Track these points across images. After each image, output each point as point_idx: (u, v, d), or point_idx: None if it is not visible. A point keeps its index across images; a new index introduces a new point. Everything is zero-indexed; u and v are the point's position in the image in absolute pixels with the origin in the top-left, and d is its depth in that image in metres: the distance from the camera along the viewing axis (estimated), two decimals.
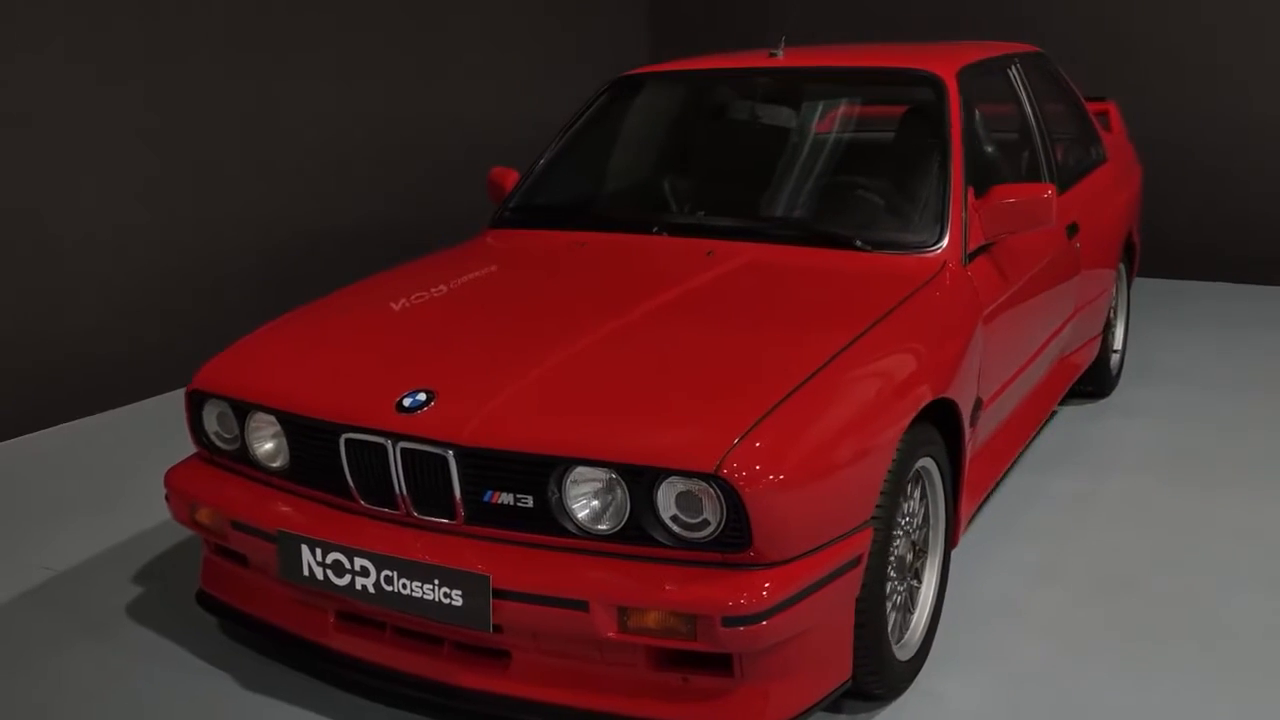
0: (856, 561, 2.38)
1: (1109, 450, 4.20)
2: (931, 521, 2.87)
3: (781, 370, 2.45)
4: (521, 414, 2.38)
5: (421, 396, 2.44)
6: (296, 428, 2.56)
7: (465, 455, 2.34)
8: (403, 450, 2.39)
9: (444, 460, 2.35)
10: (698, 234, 3.23)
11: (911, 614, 2.81)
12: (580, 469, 2.28)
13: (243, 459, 2.70)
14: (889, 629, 2.63)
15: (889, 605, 2.65)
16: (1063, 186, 4.04)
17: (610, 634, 2.25)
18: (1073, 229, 3.92)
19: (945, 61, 3.53)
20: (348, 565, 2.41)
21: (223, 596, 2.83)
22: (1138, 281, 6.35)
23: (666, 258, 3.14)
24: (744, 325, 2.72)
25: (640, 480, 2.25)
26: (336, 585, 2.44)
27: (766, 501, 2.19)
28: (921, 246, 3.09)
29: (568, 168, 3.71)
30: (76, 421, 4.62)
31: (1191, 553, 3.38)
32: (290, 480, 2.62)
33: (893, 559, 2.65)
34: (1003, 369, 3.29)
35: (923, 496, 2.81)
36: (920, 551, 2.84)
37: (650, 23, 7.79)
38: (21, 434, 4.44)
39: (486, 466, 2.34)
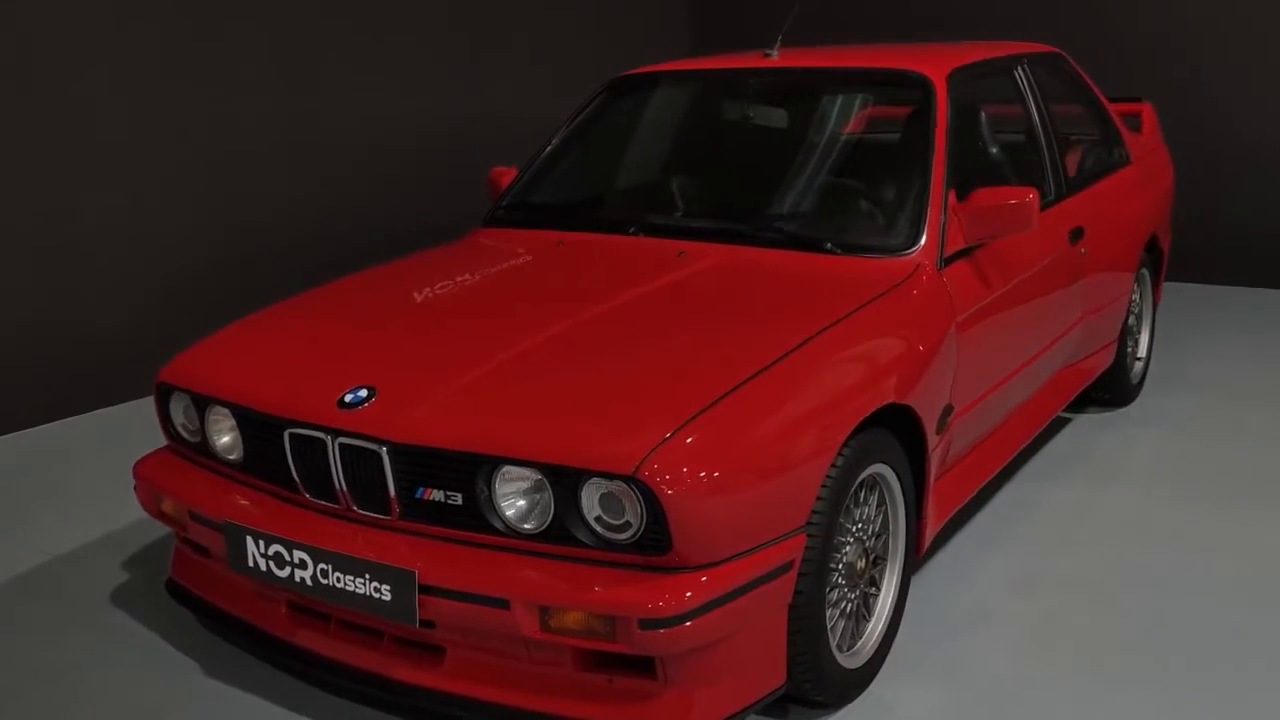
0: (788, 567, 2.37)
1: (1116, 461, 4.11)
2: (891, 529, 2.83)
3: (720, 373, 2.44)
4: (455, 412, 2.40)
5: (363, 393, 2.48)
6: (248, 421, 2.61)
7: (398, 452, 2.37)
8: (341, 446, 2.43)
9: (378, 456, 2.38)
10: (673, 235, 3.23)
11: (867, 622, 2.78)
12: (508, 468, 2.30)
13: (205, 451, 2.77)
14: (834, 636, 2.61)
15: (835, 612, 2.63)
16: (1070, 189, 3.96)
17: (532, 633, 2.26)
18: (1077, 233, 3.84)
19: (937, 62, 3.48)
20: (287, 557, 2.46)
21: (190, 586, 2.89)
22: (1171, 286, 6.21)
23: (637, 258, 3.14)
24: (695, 327, 2.71)
25: (564, 481, 2.26)
26: (278, 577, 2.49)
27: (686, 505, 2.19)
28: (894, 249, 3.05)
29: (560, 168, 3.73)
30: (96, 412, 4.75)
31: (1181, 571, 3.29)
32: (245, 473, 2.68)
33: (840, 566, 2.62)
34: (984, 376, 3.23)
35: (880, 504, 2.78)
36: (879, 559, 2.81)
37: (690, 19, 7.78)
38: (39, 424, 4.57)
39: (418, 463, 2.37)
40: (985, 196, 3.13)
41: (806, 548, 2.42)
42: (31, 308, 4.49)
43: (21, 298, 4.46)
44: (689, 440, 2.24)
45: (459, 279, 3.11)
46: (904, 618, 2.99)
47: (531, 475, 2.29)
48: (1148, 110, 5.13)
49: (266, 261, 5.23)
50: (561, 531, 2.29)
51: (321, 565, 2.42)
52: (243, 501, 2.62)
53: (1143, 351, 4.80)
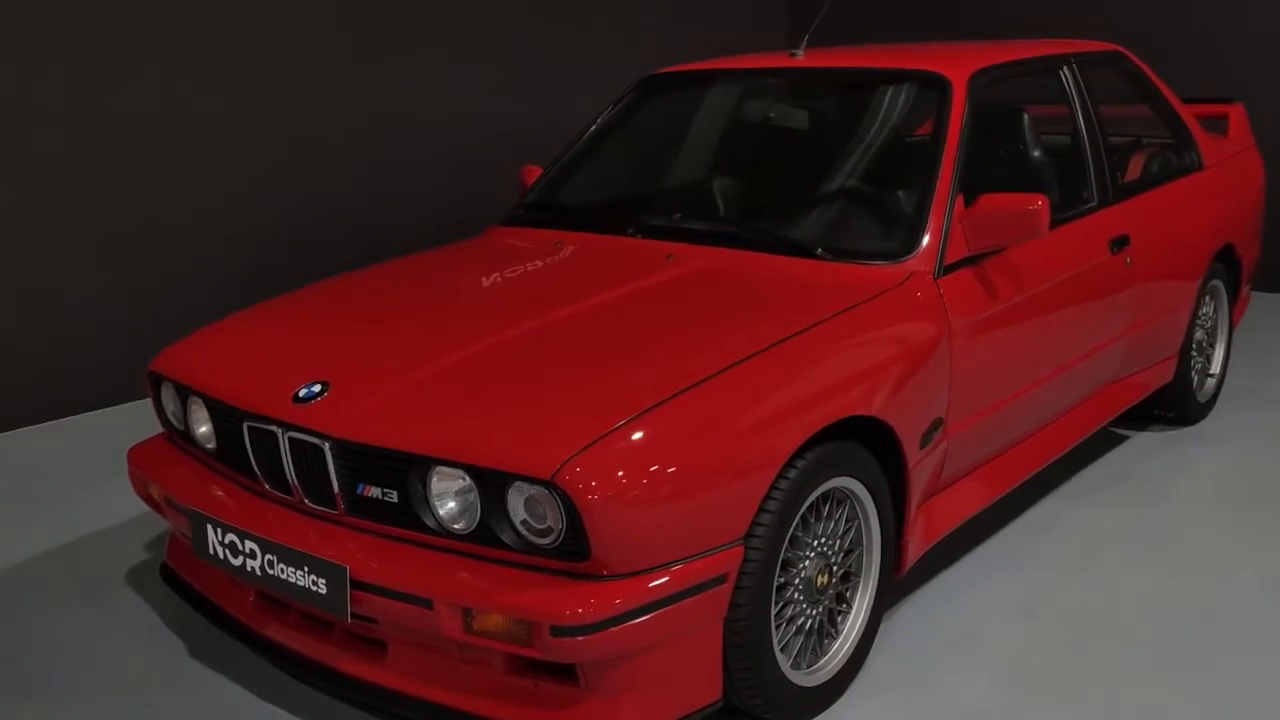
0: (722, 580, 2.32)
1: (1166, 482, 3.90)
2: (866, 546, 2.74)
3: (665, 378, 2.40)
4: (393, 411, 2.42)
5: (317, 388, 2.52)
6: (218, 412, 2.69)
7: (340, 448, 2.41)
8: (290, 439, 2.48)
9: (322, 451, 2.42)
10: (669, 237, 3.19)
11: (834, 639, 2.70)
12: (440, 468, 2.31)
13: (190, 439, 2.85)
14: (789, 652, 2.54)
15: (792, 628, 2.56)
16: (1119, 196, 3.77)
17: (455, 634, 2.26)
18: (1120, 242, 3.66)
19: (962, 63, 3.36)
20: (240, 547, 2.52)
21: (181, 571, 2.99)
22: (1263, 298, 5.86)
23: (627, 260, 3.12)
24: (658, 332, 2.67)
25: (490, 483, 2.26)
26: (233, 565, 2.55)
27: (604, 513, 2.16)
28: (887, 256, 2.95)
29: (581, 167, 3.72)
30: (130, 404, 4.89)
31: (1208, 606, 3.10)
32: (220, 462, 2.75)
33: (797, 581, 2.55)
34: (990, 389, 3.11)
35: (851, 518, 2.69)
36: (851, 575, 2.73)
37: (789, 9, 7.68)
38: (77, 413, 4.73)
39: (358, 460, 2.40)
40: (990, 203, 3.00)
41: (748, 560, 2.37)
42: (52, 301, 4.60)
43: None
44: (613, 447, 2.21)
45: (448, 278, 3.14)
46: (887, 637, 2.91)
47: (461, 477, 2.29)
48: (1237, 112, 4.85)
49: (302, 254, 5.23)
50: (490, 534, 2.29)
51: (268, 556, 2.47)
52: (210, 490, 2.70)
53: (1216, 368, 4.54)
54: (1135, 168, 4.22)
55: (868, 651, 2.78)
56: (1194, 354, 4.29)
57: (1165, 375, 4.13)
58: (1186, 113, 4.39)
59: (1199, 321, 4.31)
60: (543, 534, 2.24)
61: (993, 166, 3.59)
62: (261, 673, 2.79)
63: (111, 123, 4.64)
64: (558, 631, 2.16)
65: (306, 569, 2.40)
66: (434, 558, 2.34)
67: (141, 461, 2.92)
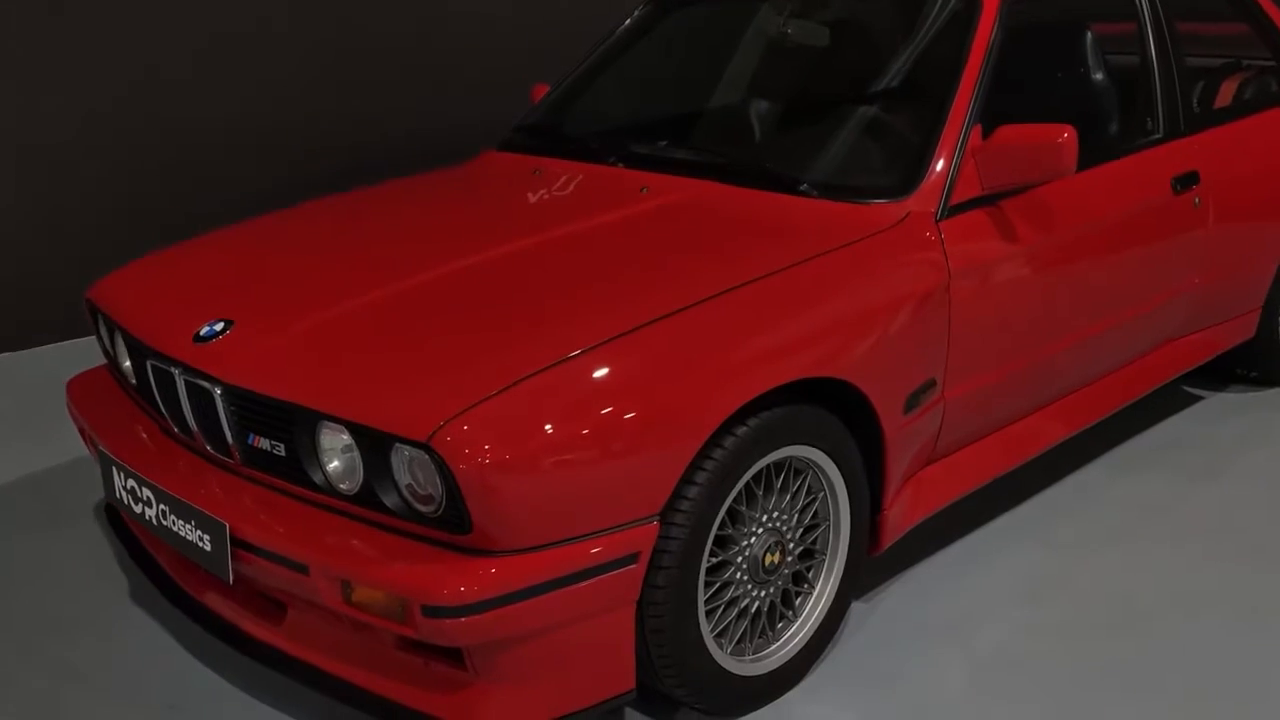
0: (632, 559, 2.05)
1: (1230, 452, 3.47)
2: (832, 522, 2.44)
3: (583, 330, 2.12)
4: (287, 357, 2.20)
5: (219, 326, 2.32)
6: (133, 347, 2.51)
7: (229, 393, 2.20)
8: (186, 382, 2.29)
9: (213, 396, 2.23)
10: (652, 166, 2.87)
11: (792, 623, 2.43)
12: (326, 423, 2.09)
13: (120, 374, 2.70)
14: (728, 638, 2.28)
15: (733, 611, 2.30)
16: (1191, 127, 3.31)
17: (334, 604, 2.06)
18: (1187, 180, 3.21)
19: None
20: (139, 494, 2.36)
21: (121, 511, 2.86)
22: None
23: (598, 191, 2.82)
24: (597, 274, 2.39)
25: (372, 443, 2.03)
26: (134, 512, 2.39)
27: (485, 481, 1.91)
28: (883, 194, 2.60)
29: (584, 88, 3.42)
30: None
31: (1243, 599, 2.72)
32: (142, 399, 2.59)
33: (740, 560, 2.28)
34: (1001, 348, 2.74)
35: (808, 493, 2.40)
36: (816, 553, 2.44)
37: None
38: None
39: (247, 407, 2.19)
40: (1008, 135, 2.62)
41: (666, 538, 2.10)
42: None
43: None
44: (501, 409, 1.96)
45: (401, 209, 2.89)
46: (860, 622, 2.63)
47: (344, 433, 2.07)
48: None
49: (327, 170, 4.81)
50: (373, 496, 2.07)
51: (162, 506, 2.30)
52: (127, 431, 2.53)
53: None
54: (1226, 94, 3.72)
55: (830, 638, 2.50)
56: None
57: (1245, 331, 3.67)
58: None
59: None
60: (425, 501, 2.01)
61: (1046, 92, 3.19)
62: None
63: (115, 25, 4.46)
64: (430, 611, 1.93)
65: (193, 523, 2.22)
66: (318, 520, 2.13)
67: (75, 394, 2.78)
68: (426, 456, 1.94)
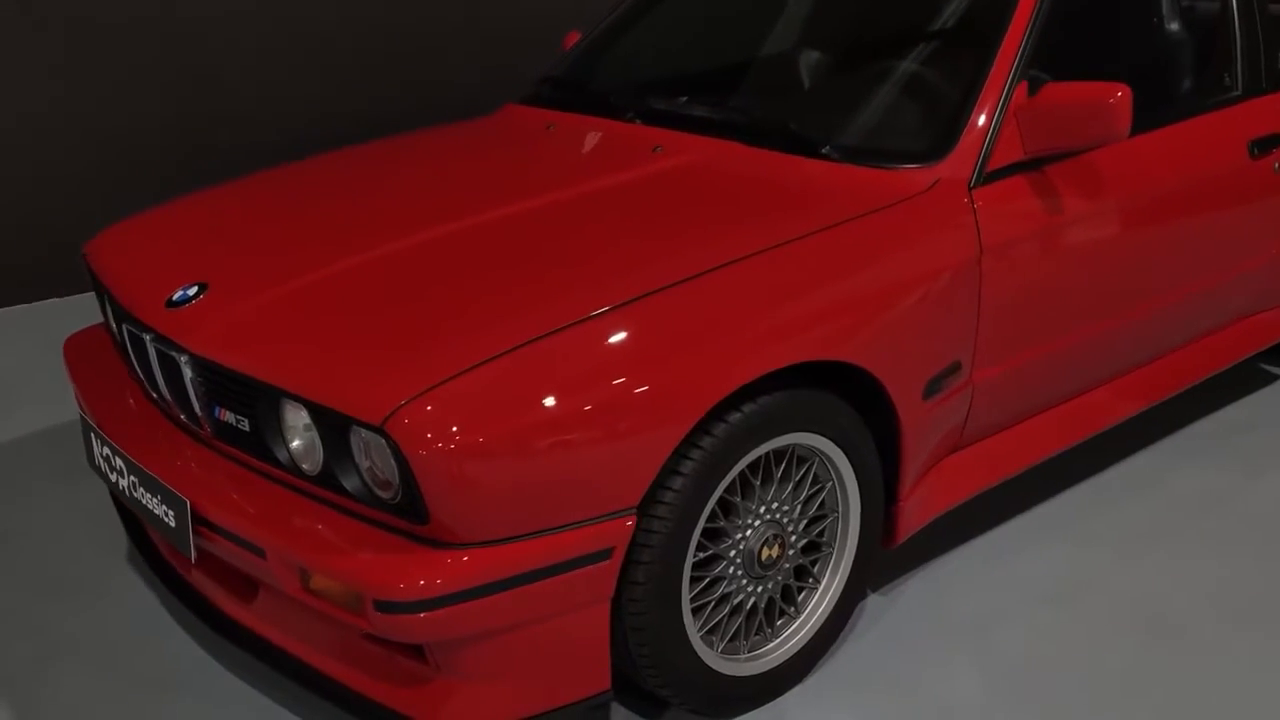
0: (605, 555, 1.91)
1: None
2: (840, 513, 2.27)
3: (561, 305, 1.97)
4: (253, 327, 2.08)
5: (192, 291, 2.20)
6: (114, 309, 2.42)
7: (194, 363, 2.10)
8: (156, 349, 2.19)
9: (178, 365, 2.12)
10: (670, 124, 2.68)
11: (794, 620, 2.27)
12: (288, 399, 1.97)
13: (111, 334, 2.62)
14: (720, 634, 2.14)
15: (725, 608, 2.15)
16: (1273, 83, 3.02)
17: (293, 590, 1.95)
18: (1268, 143, 2.93)
19: None
20: (113, 463, 2.27)
21: None
22: None
23: (609, 150, 2.65)
24: (589, 244, 2.22)
25: (331, 423, 1.90)
26: (110, 481, 2.31)
27: (441, 468, 1.78)
28: (911, 159, 2.39)
29: (613, 40, 3.23)
30: None
31: None
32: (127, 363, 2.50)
33: (734, 554, 2.12)
34: (1039, 328, 2.53)
35: (814, 484, 2.22)
36: (823, 545, 2.27)
37: None
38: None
39: (212, 378, 2.08)
40: (1055, 94, 2.38)
41: (647, 531, 1.95)
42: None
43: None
44: (462, 391, 1.82)
45: (401, 167, 2.74)
46: (873, 619, 2.46)
47: (303, 411, 1.95)
48: None
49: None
50: (333, 479, 1.95)
51: (132, 478, 2.21)
52: (112, 396, 2.44)
53: None
54: None
55: (836, 636, 2.34)
56: None
57: None
58: None
59: None
60: (385, 486, 1.88)
61: (1108, 43, 2.93)
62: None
63: None
64: (383, 606, 1.82)
65: (159, 497, 2.13)
66: (283, 501, 2.02)
67: (70, 354, 2.70)
68: (382, 441, 1.81)
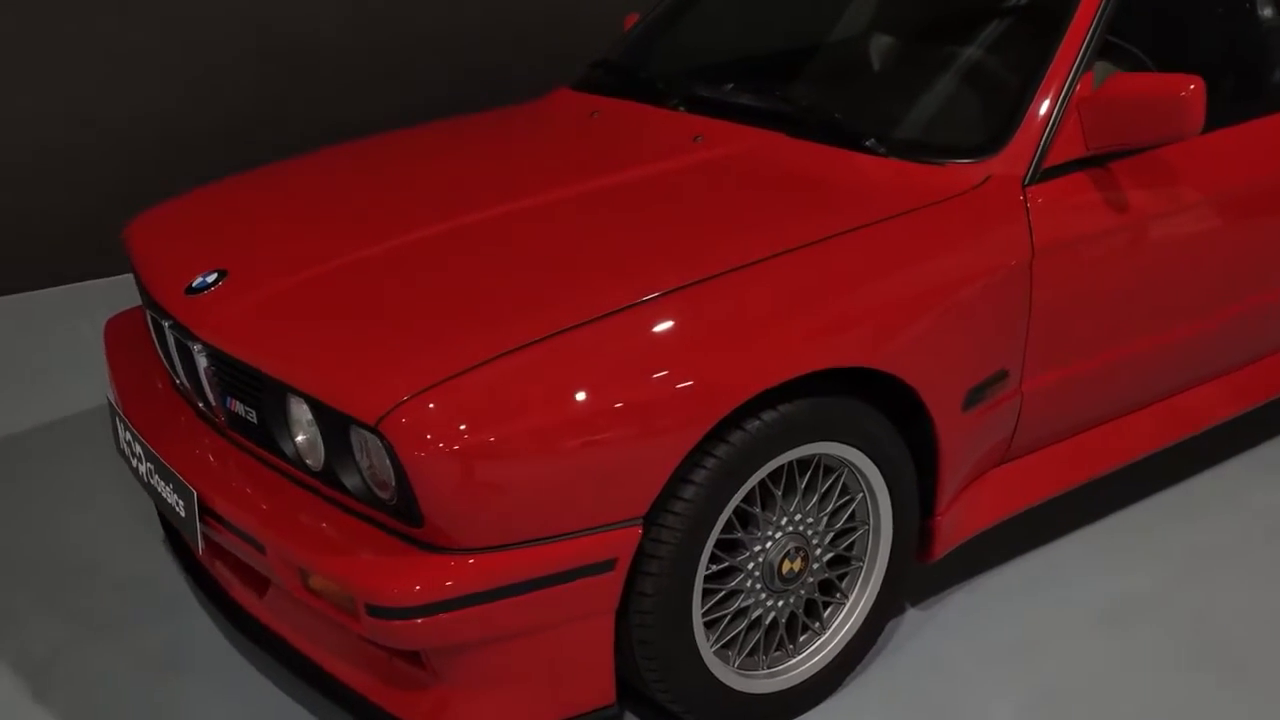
0: (608, 566, 1.83)
1: None
2: (871, 526, 2.16)
3: (573, 302, 1.89)
4: (264, 317, 2.04)
5: (211, 278, 2.17)
6: (143, 296, 2.41)
7: (208, 352, 2.07)
8: (174, 335, 2.17)
9: (192, 353, 2.09)
10: (714, 112, 2.57)
11: (818, 636, 2.17)
12: (292, 394, 1.93)
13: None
14: (736, 649, 2.05)
15: (743, 622, 2.05)
16: None
17: (294, 588, 1.91)
18: None
19: None
20: (133, 449, 2.27)
21: None
22: None
23: (649, 139, 2.55)
24: (612, 238, 2.13)
25: (331, 420, 1.85)
26: (132, 466, 2.30)
27: (434, 471, 1.72)
28: (960, 153, 2.25)
29: (669, 24, 3.13)
30: None
31: None
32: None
33: (752, 567, 2.03)
34: (1098, 336, 2.38)
35: (842, 494, 2.11)
36: (853, 560, 2.17)
37: None
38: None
39: (224, 368, 2.05)
40: (1121, 86, 2.23)
41: (656, 542, 1.87)
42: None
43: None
44: (459, 392, 1.75)
45: (438, 154, 2.67)
46: (904, 638, 2.34)
47: (304, 406, 1.91)
48: None
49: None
50: (337, 476, 1.90)
51: (148, 465, 2.20)
52: (135, 380, 2.43)
53: None
54: None
55: (864, 654, 2.23)
56: None
57: None
58: None
59: None
60: (383, 487, 1.83)
61: (1199, 33, 2.75)
62: None
63: None
64: (374, 611, 1.76)
65: (171, 486, 2.11)
66: (290, 496, 1.98)
67: (110, 335, 2.70)
68: (378, 440, 1.76)
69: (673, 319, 1.89)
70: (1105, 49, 2.40)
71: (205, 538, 2.06)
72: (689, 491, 1.88)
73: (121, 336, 2.67)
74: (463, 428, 1.72)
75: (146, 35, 4.31)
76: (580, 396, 1.78)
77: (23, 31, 4.11)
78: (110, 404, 2.40)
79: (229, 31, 4.45)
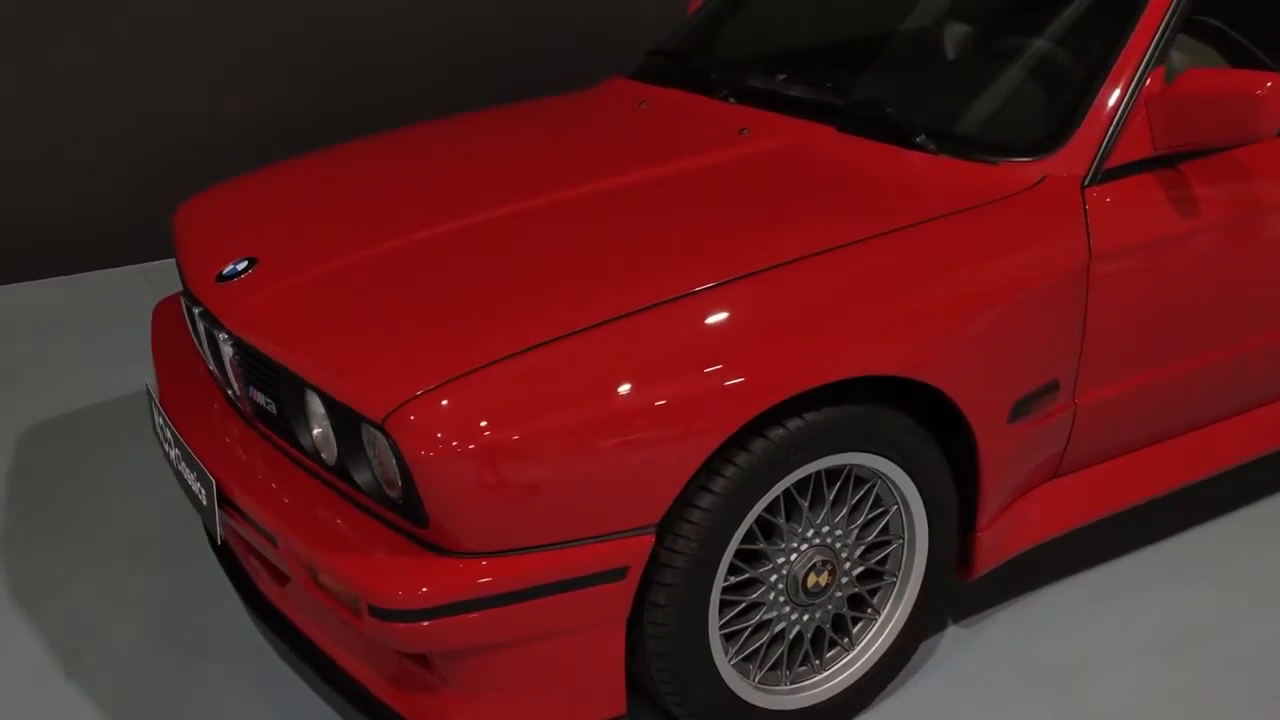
0: (619, 574, 1.77)
1: None
2: (906, 540, 2.07)
3: (594, 301, 1.83)
4: (286, 308, 2.01)
5: (241, 266, 2.16)
6: (182, 279, 2.41)
7: (233, 340, 2.05)
8: (203, 324, 2.16)
9: (218, 341, 2.08)
10: (764, 103, 2.48)
11: (847, 653, 2.08)
12: (308, 387, 1.90)
13: None
14: (757, 664, 1.98)
15: (765, 635, 1.98)
16: None
17: (305, 583, 1.89)
18: None
19: None
20: (165, 434, 2.27)
21: None
22: None
23: (694, 131, 2.47)
24: (643, 234, 2.05)
25: (343, 416, 1.82)
26: (165, 452, 2.31)
27: (439, 472, 1.68)
28: (1015, 152, 2.14)
29: (722, 15, 3.04)
30: None
31: None
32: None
33: (775, 579, 1.95)
34: (1159, 346, 2.24)
35: (875, 506, 2.02)
36: (886, 574, 2.08)
37: None
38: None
39: (247, 358, 2.03)
40: (1193, 83, 2.09)
41: (671, 551, 1.80)
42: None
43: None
44: (468, 391, 1.70)
45: (481, 143, 2.62)
46: (948, 656, 2.24)
47: (319, 400, 1.88)
48: None
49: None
50: (350, 472, 1.87)
51: (176, 451, 2.20)
52: (175, 367, 2.43)
53: None
54: None
55: (896, 673, 2.13)
56: None
57: None
58: None
59: None
60: (391, 485, 1.79)
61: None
62: None
63: None
64: (377, 613, 1.73)
65: (195, 474, 2.11)
66: (304, 489, 1.95)
67: (157, 320, 2.72)
68: (384, 439, 1.72)
69: (688, 324, 1.81)
70: (1219, 39, 2.25)
71: (225, 527, 2.06)
72: (706, 500, 1.81)
73: (167, 321, 2.68)
74: (469, 428, 1.67)
75: (220, 34, 4.36)
76: (596, 398, 1.72)
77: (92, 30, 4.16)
78: (147, 389, 2.41)
79: (305, 26, 4.47)
